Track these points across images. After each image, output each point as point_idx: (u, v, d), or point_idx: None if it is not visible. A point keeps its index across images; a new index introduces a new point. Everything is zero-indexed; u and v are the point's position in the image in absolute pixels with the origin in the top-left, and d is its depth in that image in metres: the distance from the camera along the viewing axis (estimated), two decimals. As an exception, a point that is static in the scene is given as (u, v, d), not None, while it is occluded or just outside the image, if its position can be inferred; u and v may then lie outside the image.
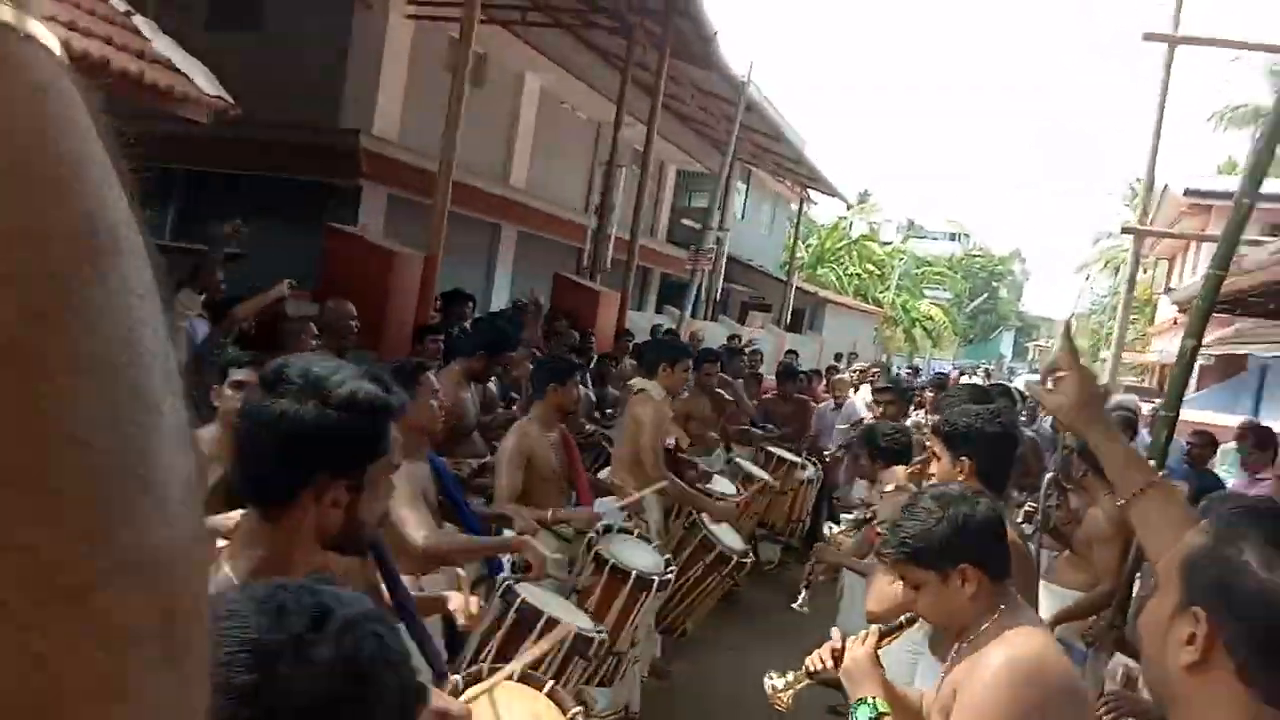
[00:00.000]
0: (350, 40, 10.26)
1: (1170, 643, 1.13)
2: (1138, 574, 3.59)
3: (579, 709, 2.32)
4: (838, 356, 17.60)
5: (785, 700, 2.27)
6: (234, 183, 10.73)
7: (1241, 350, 16.37)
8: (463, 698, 2.08)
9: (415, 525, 3.05)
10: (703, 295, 16.22)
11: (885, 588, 2.89)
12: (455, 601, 2.57)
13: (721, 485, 5.67)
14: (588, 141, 15.88)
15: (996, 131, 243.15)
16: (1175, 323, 18.76)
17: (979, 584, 1.98)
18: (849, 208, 30.12)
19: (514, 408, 5.71)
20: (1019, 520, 4.84)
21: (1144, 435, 7.29)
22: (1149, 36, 7.52)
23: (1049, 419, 6.96)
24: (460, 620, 2.53)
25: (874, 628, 2.20)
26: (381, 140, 10.25)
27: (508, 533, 4.04)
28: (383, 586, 2.63)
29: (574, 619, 3.35)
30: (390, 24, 10.41)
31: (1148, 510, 1.65)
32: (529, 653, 2.42)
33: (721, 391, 7.17)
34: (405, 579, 2.71)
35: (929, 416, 6.47)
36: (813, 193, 23.16)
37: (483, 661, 2.75)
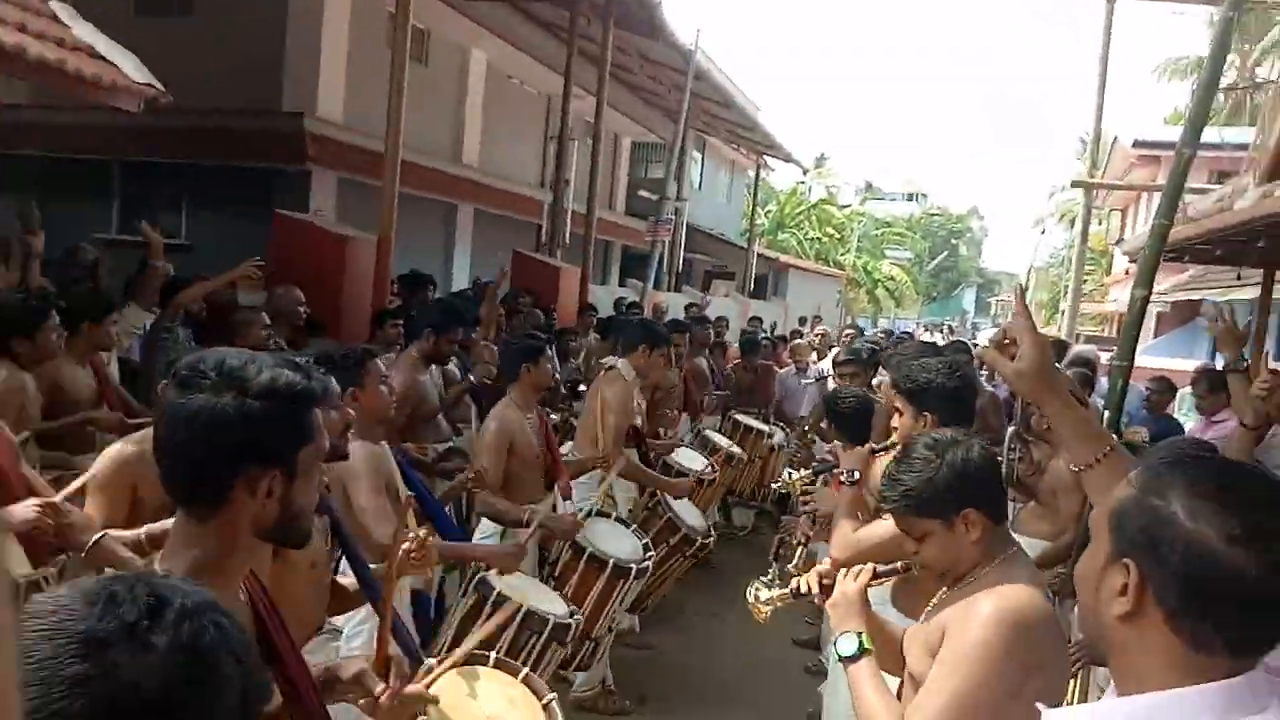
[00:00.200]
0: (286, 20, 9.99)
1: (1103, 594, 1.14)
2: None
3: (553, 696, 2.30)
4: (801, 321, 17.67)
5: (764, 612, 2.31)
6: (177, 172, 10.48)
7: (1196, 296, 16.64)
8: (428, 680, 2.06)
9: (376, 517, 3.00)
10: (664, 266, 16.18)
11: (848, 535, 2.90)
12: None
13: (686, 458, 5.64)
14: (539, 116, 15.70)
15: (945, 95, 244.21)
16: (1128, 273, 19.02)
17: (982, 527, 1.97)
18: (805, 172, 30.15)
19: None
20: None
21: (1103, 384, 7.38)
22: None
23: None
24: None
25: (868, 565, 2.19)
26: (327, 123, 10.03)
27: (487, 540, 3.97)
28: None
29: (551, 605, 3.34)
30: (327, 1, 10.16)
31: (1100, 478, 1.64)
32: (480, 632, 2.39)
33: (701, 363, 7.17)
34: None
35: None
36: (769, 159, 23.14)
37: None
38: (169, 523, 1.54)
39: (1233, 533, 1.05)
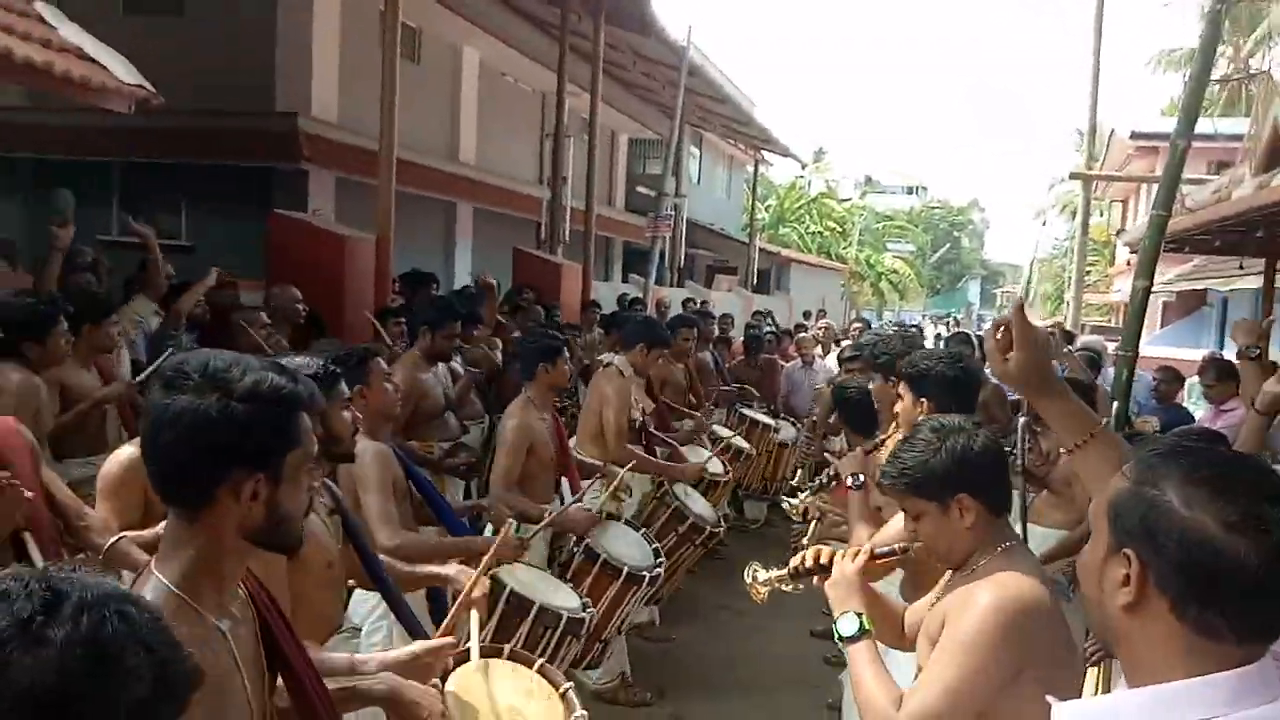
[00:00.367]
0: (277, 19, 9.95)
1: (1106, 585, 1.14)
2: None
3: (569, 685, 2.30)
4: (806, 315, 17.66)
5: (762, 593, 2.30)
6: (176, 173, 10.46)
7: (1200, 286, 16.61)
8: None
9: (380, 520, 3.00)
10: (666, 262, 16.17)
11: (863, 540, 2.89)
12: (460, 578, 2.57)
13: (695, 455, 5.64)
14: (534, 113, 15.67)
15: (935, 86, 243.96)
16: (1129, 264, 19.00)
17: (977, 515, 2.00)
18: (804, 166, 30.11)
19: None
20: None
21: (1109, 373, 7.36)
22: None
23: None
24: (476, 593, 2.50)
25: (866, 545, 2.20)
26: (321, 122, 10.00)
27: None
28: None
29: (563, 600, 3.33)
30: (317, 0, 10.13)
31: (1090, 459, 1.67)
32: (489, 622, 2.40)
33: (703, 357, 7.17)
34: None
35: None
36: (767, 153, 23.11)
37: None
38: None
39: (1229, 520, 1.04)
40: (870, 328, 11.71)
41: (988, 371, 6.86)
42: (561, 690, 2.29)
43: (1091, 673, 3.45)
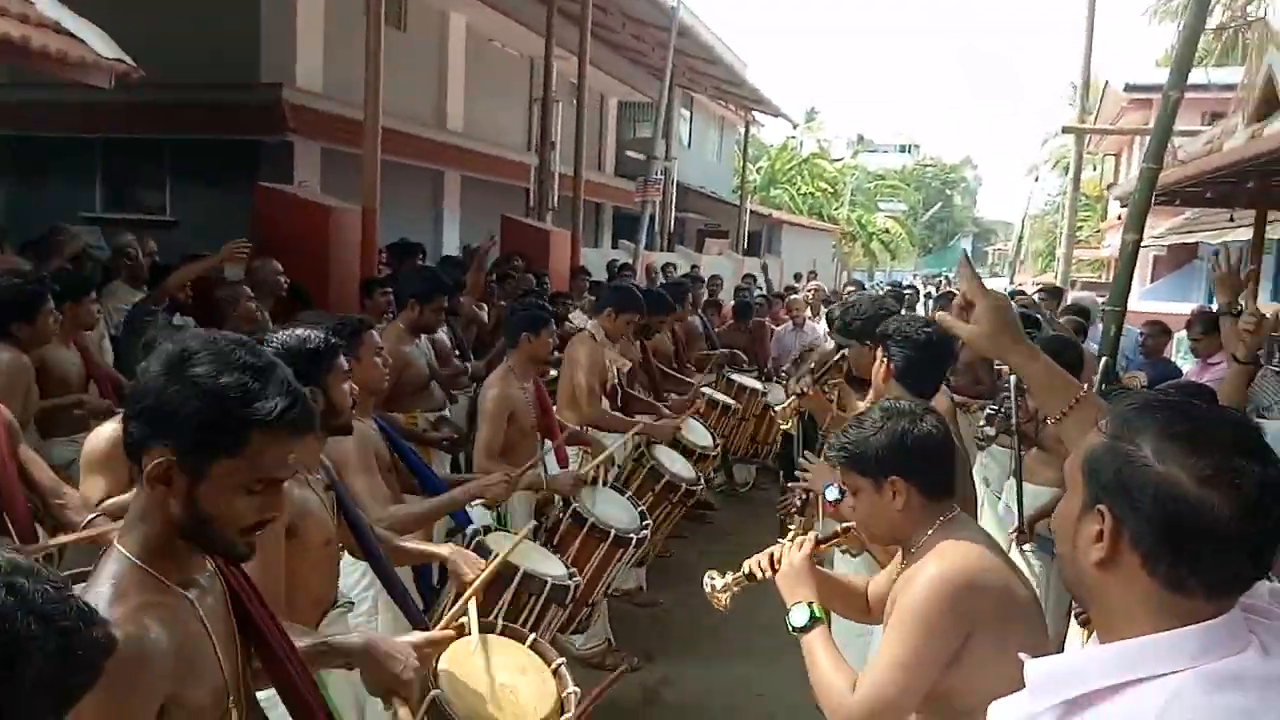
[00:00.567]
0: (258, -13, 9.81)
1: (1080, 541, 1.15)
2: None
3: (561, 660, 2.31)
4: (797, 277, 17.62)
5: (724, 600, 2.30)
6: (160, 148, 10.37)
7: (1191, 239, 16.57)
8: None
9: (368, 497, 3.00)
10: (657, 226, 16.08)
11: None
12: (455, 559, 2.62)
13: (696, 434, 5.63)
14: (522, 78, 15.50)
15: (926, 43, 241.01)
16: (1120, 219, 18.95)
17: (908, 497, 2.04)
18: (795, 127, 29.87)
19: (467, 363, 5.62)
20: (981, 423, 4.89)
21: (1098, 330, 7.37)
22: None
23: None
24: (465, 575, 2.56)
25: (810, 534, 2.24)
26: (306, 93, 9.88)
27: (474, 512, 3.99)
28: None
29: (549, 567, 3.34)
30: (299, -32, 9.96)
31: (1074, 427, 1.65)
32: (471, 591, 2.40)
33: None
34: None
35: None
36: (759, 114, 22.91)
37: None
38: None
39: (1204, 474, 1.04)
40: (863, 289, 11.70)
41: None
42: (554, 666, 2.31)
43: (1081, 633, 3.48)
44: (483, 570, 2.57)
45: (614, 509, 4.10)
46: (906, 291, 12.07)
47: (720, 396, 6.46)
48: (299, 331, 2.45)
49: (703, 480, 5.03)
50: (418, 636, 2.06)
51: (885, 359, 2.97)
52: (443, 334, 5.45)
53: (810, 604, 2.07)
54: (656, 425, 4.96)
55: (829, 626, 2.12)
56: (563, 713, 2.16)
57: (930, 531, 2.04)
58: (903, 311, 3.81)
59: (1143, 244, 5.02)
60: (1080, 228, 21.92)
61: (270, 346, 2.32)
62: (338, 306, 6.39)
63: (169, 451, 1.37)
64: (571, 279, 9.72)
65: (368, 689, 1.92)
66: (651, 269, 12.38)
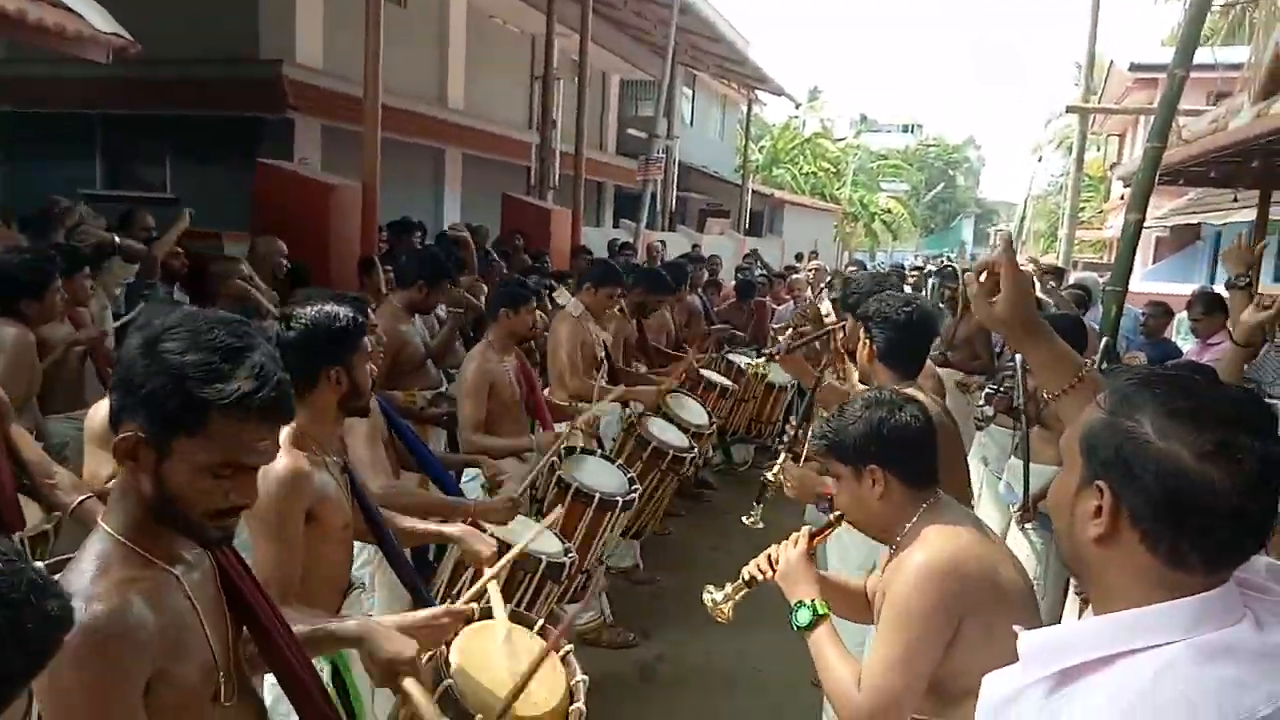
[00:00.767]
0: (257, -38, 9.74)
1: (1078, 517, 1.14)
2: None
3: (570, 647, 2.28)
4: (798, 256, 17.56)
5: (726, 611, 2.28)
6: (160, 124, 10.33)
7: (1194, 220, 16.50)
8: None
9: (372, 471, 3.00)
10: (658, 206, 16.01)
11: None
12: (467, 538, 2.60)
13: (691, 412, 5.63)
14: (523, 56, 15.41)
15: (934, 34, 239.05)
16: (1123, 199, 18.85)
17: (887, 486, 2.05)
18: (798, 106, 29.67)
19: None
20: (980, 403, 4.89)
21: (1099, 311, 7.35)
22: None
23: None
24: (483, 553, 2.55)
25: (804, 529, 2.22)
26: (306, 69, 9.84)
27: (468, 486, 4.00)
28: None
29: (544, 544, 3.34)
30: (299, -56, 9.89)
31: (1074, 405, 1.63)
32: (485, 583, 2.39)
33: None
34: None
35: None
36: (762, 93, 22.76)
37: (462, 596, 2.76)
38: None
39: (1204, 449, 1.04)
40: (865, 269, 11.64)
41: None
42: (562, 653, 2.30)
43: (1078, 608, 3.49)
44: (498, 553, 2.57)
45: (602, 475, 4.12)
46: (912, 274, 12.03)
47: (717, 378, 6.45)
48: (328, 308, 2.37)
49: (695, 449, 5.03)
50: (439, 609, 2.06)
51: (867, 340, 2.99)
52: (441, 310, 5.43)
53: (813, 601, 2.06)
54: (640, 390, 4.96)
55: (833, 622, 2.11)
56: (572, 701, 2.15)
57: (915, 518, 2.04)
58: (906, 289, 3.81)
59: (1145, 225, 4.99)
60: (1083, 208, 21.83)
61: (300, 322, 2.31)
62: (338, 284, 6.38)
63: (137, 427, 1.35)
64: (572, 258, 9.69)
65: (372, 679, 1.90)
66: (653, 248, 12.34)
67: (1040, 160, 36.76)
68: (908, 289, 9.47)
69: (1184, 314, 7.23)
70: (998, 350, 6.30)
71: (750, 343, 8.28)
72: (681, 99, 20.35)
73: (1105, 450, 1.10)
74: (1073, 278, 10.34)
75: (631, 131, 18.70)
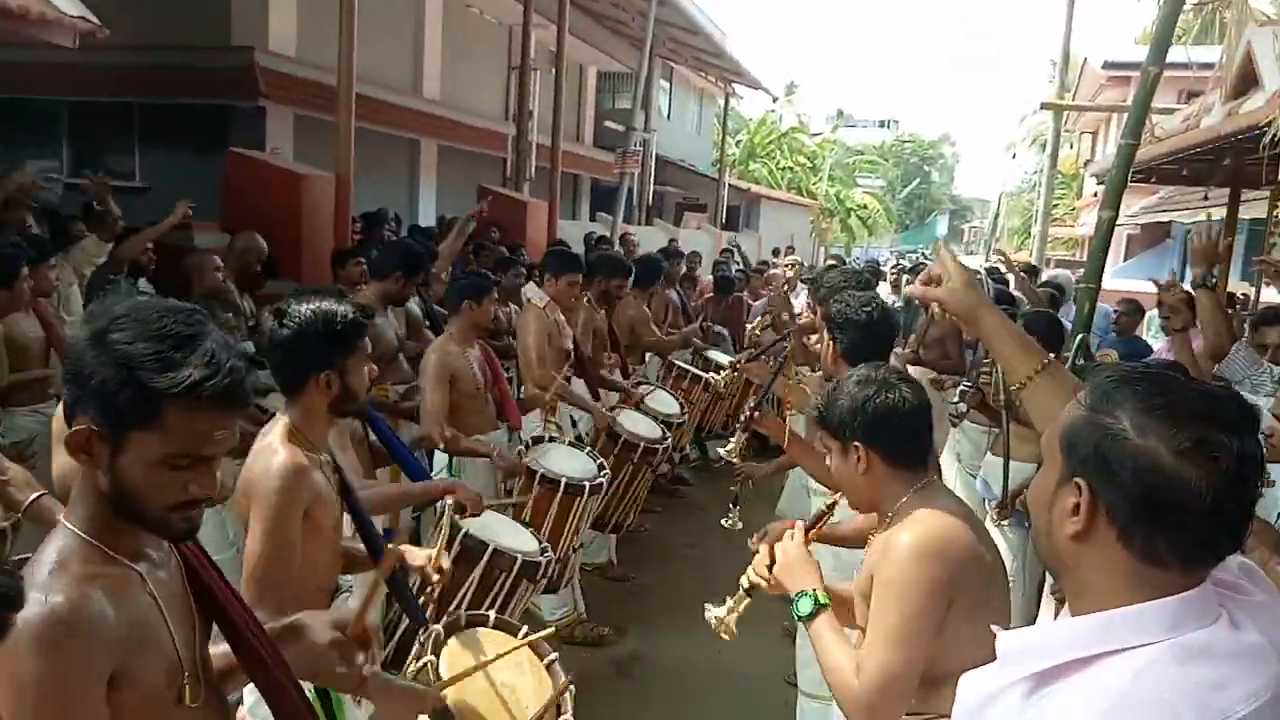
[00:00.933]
0: (231, -52, 9.60)
1: (1055, 514, 1.14)
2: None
3: (555, 655, 2.28)
4: (775, 251, 17.60)
5: (730, 625, 2.23)
6: (129, 112, 10.17)
7: (1165, 218, 16.70)
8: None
9: (346, 470, 2.95)
10: (635, 199, 15.98)
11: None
12: (418, 558, 2.48)
13: (661, 403, 5.61)
14: (500, 46, 15.31)
15: (909, 28, 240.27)
16: (1096, 196, 19.04)
17: (870, 464, 2.06)
18: (775, 100, 29.73)
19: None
20: (954, 399, 4.91)
21: (1072, 309, 7.40)
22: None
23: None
24: (434, 577, 2.44)
25: (799, 522, 2.22)
26: (279, 57, 9.71)
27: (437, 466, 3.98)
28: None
29: (520, 543, 3.32)
30: (273, -71, 9.76)
31: (1039, 394, 1.66)
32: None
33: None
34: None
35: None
36: (739, 87, 22.78)
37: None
38: None
39: (1182, 447, 1.04)
40: (843, 264, 11.65)
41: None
42: (546, 661, 2.31)
43: (1053, 605, 3.51)
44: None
45: (568, 462, 4.12)
46: (893, 272, 12.05)
47: (690, 368, 6.47)
48: (326, 305, 2.27)
49: (668, 438, 5.03)
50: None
51: (830, 340, 3.01)
52: (413, 304, 5.38)
53: (814, 591, 2.04)
54: (603, 414, 4.94)
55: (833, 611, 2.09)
56: (559, 713, 2.15)
57: (904, 499, 2.04)
58: (885, 287, 3.83)
59: (1117, 222, 5.02)
60: (1056, 206, 22.04)
61: (294, 320, 2.23)
62: (310, 276, 6.31)
63: (90, 421, 1.32)
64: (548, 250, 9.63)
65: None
66: (628, 240, 12.28)
67: (1014, 158, 37.10)
68: (887, 287, 9.55)
69: (1154, 311, 7.30)
70: (969, 347, 6.34)
71: (727, 338, 8.28)
72: (659, 92, 20.33)
73: (1084, 447, 1.10)
74: (1046, 275, 10.43)
75: (608, 124, 18.65)
